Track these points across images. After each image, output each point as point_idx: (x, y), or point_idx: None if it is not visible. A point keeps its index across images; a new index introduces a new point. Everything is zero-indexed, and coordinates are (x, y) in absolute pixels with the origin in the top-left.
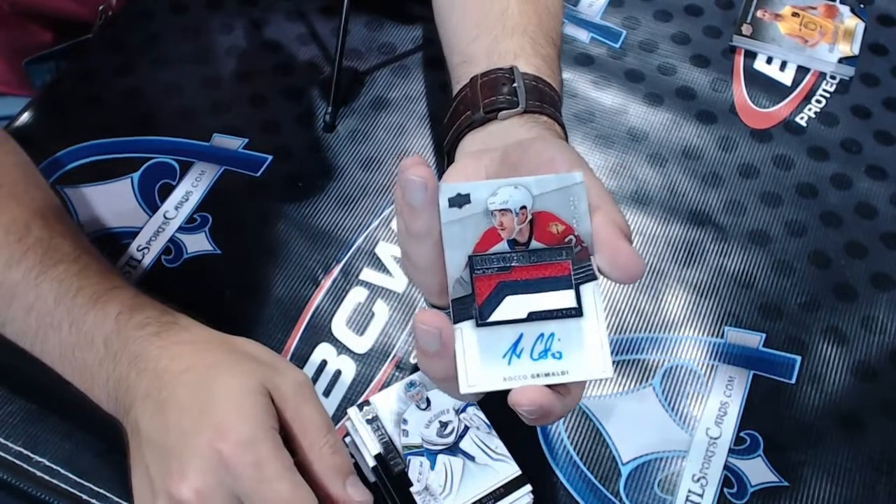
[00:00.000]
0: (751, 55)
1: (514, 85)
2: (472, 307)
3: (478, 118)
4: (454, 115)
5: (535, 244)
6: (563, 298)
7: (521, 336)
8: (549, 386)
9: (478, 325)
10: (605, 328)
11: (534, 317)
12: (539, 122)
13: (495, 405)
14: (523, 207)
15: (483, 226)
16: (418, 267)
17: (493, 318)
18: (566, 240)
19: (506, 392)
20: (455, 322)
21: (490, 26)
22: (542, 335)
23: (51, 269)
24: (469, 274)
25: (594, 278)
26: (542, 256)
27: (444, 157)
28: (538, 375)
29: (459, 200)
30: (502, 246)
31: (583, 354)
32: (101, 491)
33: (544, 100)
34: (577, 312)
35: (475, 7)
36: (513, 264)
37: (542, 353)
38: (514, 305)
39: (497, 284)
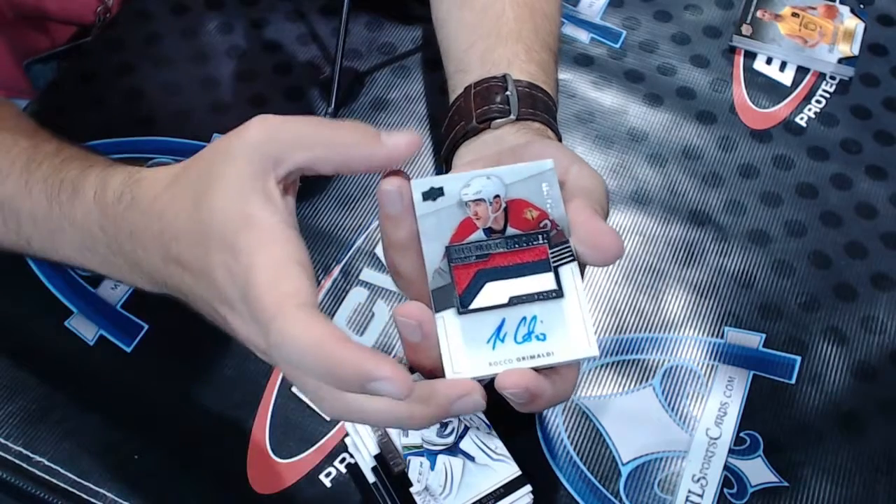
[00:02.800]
0: (751, 55)
1: (507, 93)
2: (453, 296)
3: (471, 128)
4: (449, 125)
5: (511, 231)
6: (542, 281)
7: (503, 321)
8: (537, 370)
9: (459, 312)
10: (587, 307)
11: (515, 301)
12: (532, 128)
13: (495, 405)
14: (496, 196)
15: (458, 217)
16: (406, 278)
17: (474, 305)
18: (541, 224)
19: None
20: (437, 312)
21: (485, 33)
22: (524, 318)
23: (36, 170)
24: (447, 263)
25: (573, 259)
26: (518, 242)
27: (443, 166)
28: (523, 358)
29: (433, 194)
30: (479, 235)
31: (566, 334)
32: (101, 490)
33: (537, 106)
34: (557, 294)
35: (471, 14)
36: (490, 252)
37: (526, 335)
38: (495, 291)
39: (476, 272)
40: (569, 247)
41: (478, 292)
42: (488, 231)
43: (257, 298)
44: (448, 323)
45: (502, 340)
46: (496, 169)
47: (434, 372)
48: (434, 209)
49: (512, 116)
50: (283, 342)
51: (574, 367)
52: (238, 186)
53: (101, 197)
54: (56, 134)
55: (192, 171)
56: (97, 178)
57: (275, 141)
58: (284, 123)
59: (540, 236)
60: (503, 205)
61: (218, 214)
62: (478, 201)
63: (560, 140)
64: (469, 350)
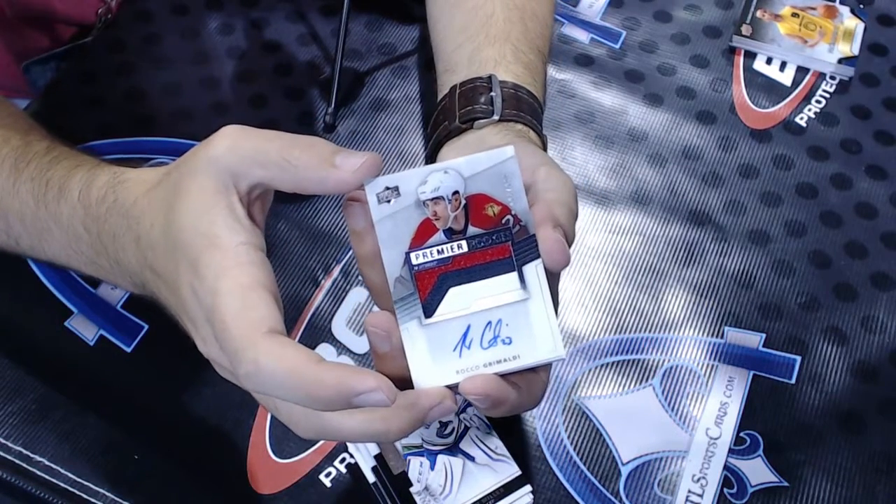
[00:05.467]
0: (750, 55)
1: (492, 94)
2: (416, 305)
3: (454, 128)
4: (434, 124)
5: (472, 230)
6: (507, 282)
7: (468, 327)
8: (505, 375)
9: (424, 322)
10: (552, 307)
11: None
12: (513, 130)
13: None
14: (455, 193)
15: (416, 218)
16: (377, 291)
17: (438, 313)
18: (503, 221)
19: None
20: (401, 323)
21: (474, 34)
22: (489, 322)
23: (24, 170)
24: (408, 271)
25: (537, 256)
26: (480, 242)
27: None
28: (490, 364)
29: (388, 195)
30: (439, 237)
31: (532, 337)
32: (101, 491)
33: (522, 108)
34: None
35: (461, 14)
36: (452, 254)
37: (492, 340)
38: (459, 296)
39: (438, 277)
40: (533, 243)
41: (441, 299)
42: (449, 232)
43: (224, 326)
44: (413, 334)
45: (468, 347)
46: (454, 161)
47: (403, 382)
48: (391, 212)
49: (495, 117)
50: (259, 372)
51: (542, 373)
52: (202, 203)
53: (85, 197)
54: (50, 133)
55: (169, 179)
56: (83, 178)
57: (235, 155)
58: (246, 138)
59: (502, 234)
60: (463, 202)
61: (184, 233)
62: (436, 199)
63: (544, 141)
64: (436, 360)
